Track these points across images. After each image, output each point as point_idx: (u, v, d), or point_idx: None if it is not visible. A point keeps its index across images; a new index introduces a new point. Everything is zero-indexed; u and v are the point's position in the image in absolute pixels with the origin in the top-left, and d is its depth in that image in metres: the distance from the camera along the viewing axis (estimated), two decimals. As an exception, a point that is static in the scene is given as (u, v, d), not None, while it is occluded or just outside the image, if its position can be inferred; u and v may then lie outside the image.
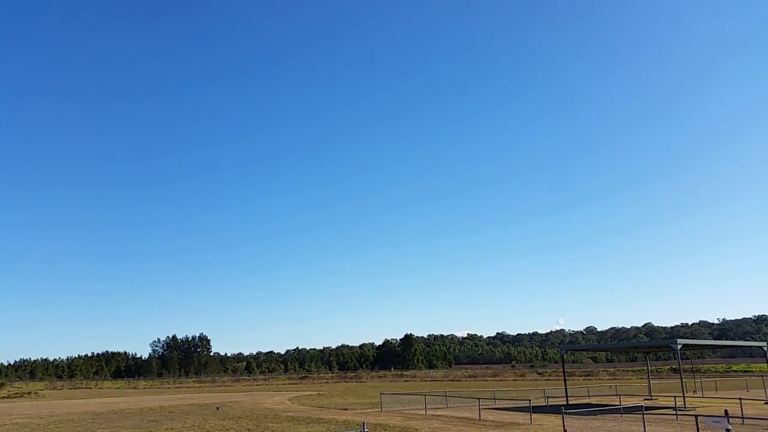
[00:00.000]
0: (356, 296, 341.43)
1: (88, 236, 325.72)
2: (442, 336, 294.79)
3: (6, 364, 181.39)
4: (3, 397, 75.43)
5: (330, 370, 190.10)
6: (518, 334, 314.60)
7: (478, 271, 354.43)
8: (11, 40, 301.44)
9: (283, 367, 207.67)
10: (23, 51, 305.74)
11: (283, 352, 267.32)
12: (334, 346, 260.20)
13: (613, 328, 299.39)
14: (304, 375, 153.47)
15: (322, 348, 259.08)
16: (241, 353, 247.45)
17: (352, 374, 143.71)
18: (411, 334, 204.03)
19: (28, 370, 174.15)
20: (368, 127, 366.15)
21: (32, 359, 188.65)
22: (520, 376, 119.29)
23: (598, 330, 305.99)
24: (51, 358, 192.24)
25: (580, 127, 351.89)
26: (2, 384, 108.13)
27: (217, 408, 45.57)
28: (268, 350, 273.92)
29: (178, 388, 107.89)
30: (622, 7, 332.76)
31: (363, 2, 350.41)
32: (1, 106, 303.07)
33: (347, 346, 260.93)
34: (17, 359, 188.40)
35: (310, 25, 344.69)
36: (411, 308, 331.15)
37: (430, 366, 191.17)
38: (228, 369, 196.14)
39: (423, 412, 36.88)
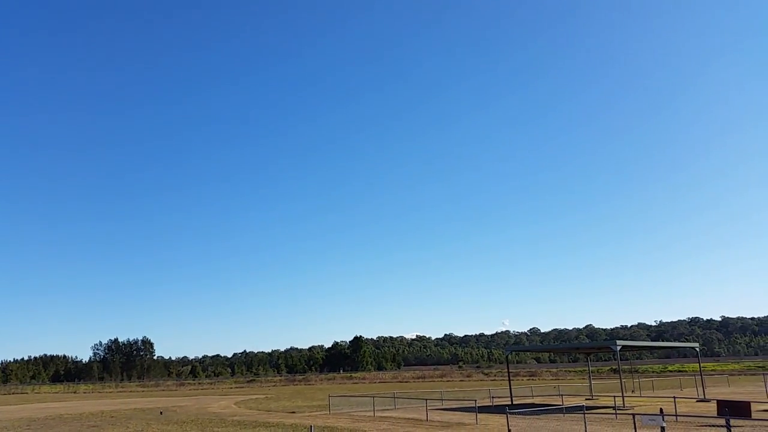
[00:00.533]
0: (305, 298, 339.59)
1: (25, 235, 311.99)
2: (391, 338, 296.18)
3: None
4: (-71, 404, 71.52)
5: (278, 373, 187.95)
6: (465, 336, 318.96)
7: (427, 274, 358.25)
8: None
9: (230, 370, 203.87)
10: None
11: (230, 356, 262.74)
12: (282, 349, 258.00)
13: (556, 329, 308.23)
14: (251, 378, 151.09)
15: (270, 351, 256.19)
16: (186, 357, 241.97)
17: (301, 377, 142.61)
18: (360, 336, 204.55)
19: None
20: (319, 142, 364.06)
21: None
22: (467, 376, 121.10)
23: (542, 331, 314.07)
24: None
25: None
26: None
27: (161, 413, 44.59)
28: (215, 354, 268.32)
29: (120, 392, 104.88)
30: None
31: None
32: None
33: (296, 348, 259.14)
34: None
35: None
36: (361, 310, 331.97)
37: (380, 368, 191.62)
38: (172, 373, 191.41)
39: (371, 413, 37.05)
